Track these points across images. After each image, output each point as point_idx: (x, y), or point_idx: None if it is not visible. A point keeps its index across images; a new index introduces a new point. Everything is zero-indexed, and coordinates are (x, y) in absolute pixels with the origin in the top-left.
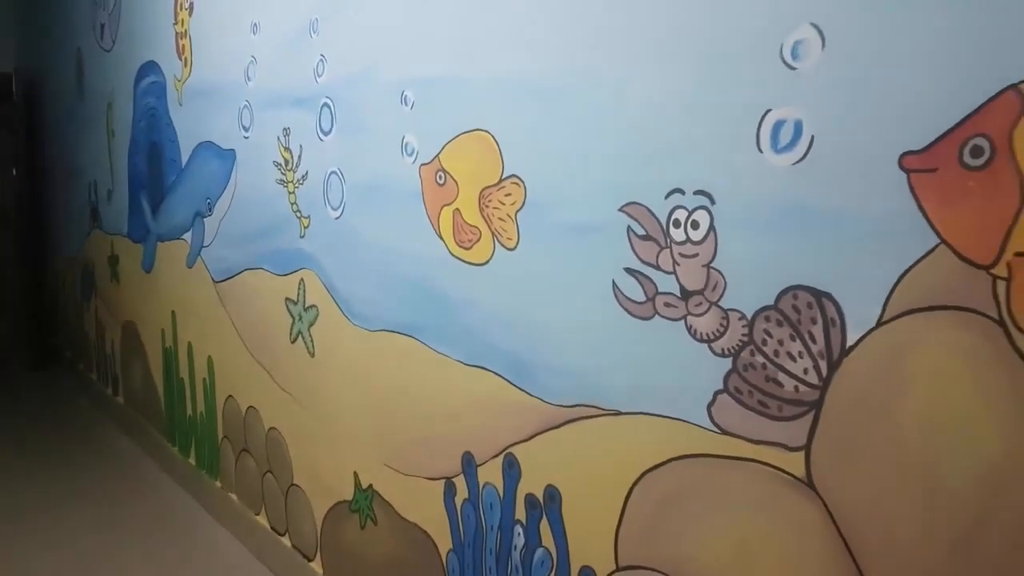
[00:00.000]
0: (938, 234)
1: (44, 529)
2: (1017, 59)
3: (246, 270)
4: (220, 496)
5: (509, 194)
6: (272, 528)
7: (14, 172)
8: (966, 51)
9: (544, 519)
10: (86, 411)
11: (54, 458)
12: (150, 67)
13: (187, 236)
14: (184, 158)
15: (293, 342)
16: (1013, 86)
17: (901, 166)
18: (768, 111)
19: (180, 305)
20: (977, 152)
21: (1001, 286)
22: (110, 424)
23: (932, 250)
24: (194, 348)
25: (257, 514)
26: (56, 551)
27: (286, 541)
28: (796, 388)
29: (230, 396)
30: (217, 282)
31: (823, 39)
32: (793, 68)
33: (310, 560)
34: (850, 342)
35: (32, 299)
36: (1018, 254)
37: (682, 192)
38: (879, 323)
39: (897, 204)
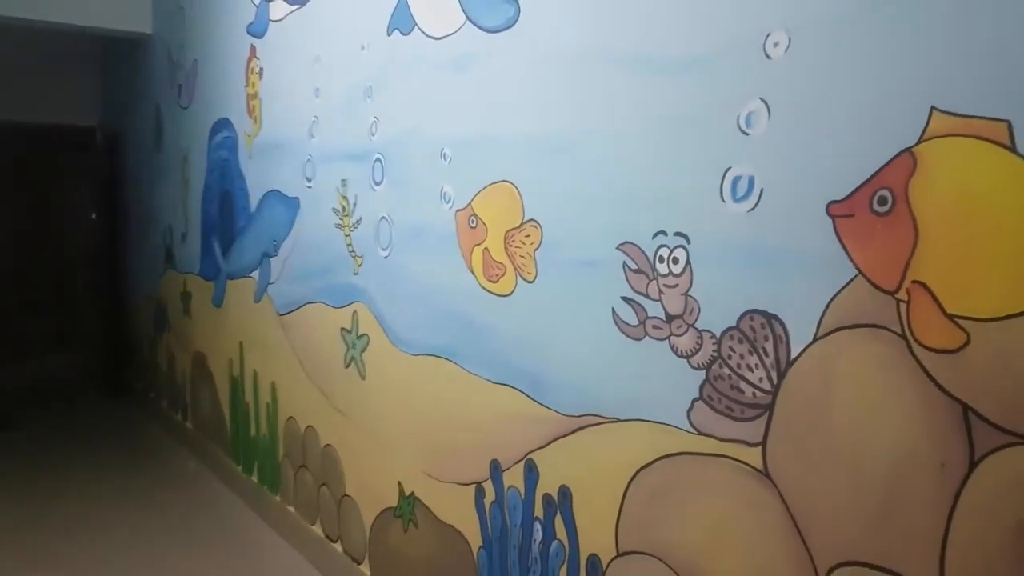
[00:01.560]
0: (856, 266)
1: (122, 539)
2: (910, 128)
3: (307, 303)
4: (279, 509)
5: (528, 235)
6: (326, 536)
7: (94, 217)
8: (874, 121)
9: (558, 515)
10: (157, 436)
11: (130, 477)
12: (223, 124)
13: (254, 274)
14: (253, 205)
15: (347, 367)
16: (907, 149)
17: (828, 212)
18: (729, 168)
19: (247, 336)
20: (883, 201)
21: (903, 307)
22: (179, 447)
23: (851, 280)
24: (259, 375)
25: (313, 524)
26: (133, 559)
27: (338, 547)
28: (754, 394)
29: (291, 417)
30: (281, 315)
31: (769, 110)
32: (747, 134)
33: (359, 563)
34: (793, 354)
35: (109, 334)
36: (915, 281)
37: (665, 233)
38: (815, 339)
39: (825, 243)
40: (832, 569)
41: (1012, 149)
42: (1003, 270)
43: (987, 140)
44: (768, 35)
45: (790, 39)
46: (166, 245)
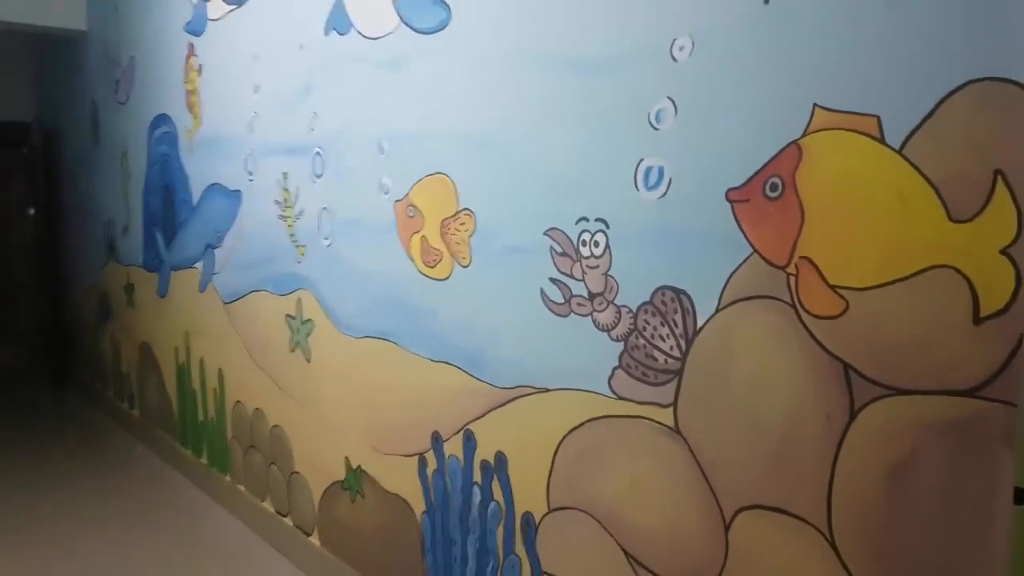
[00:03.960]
0: (751, 245)
1: (73, 522)
2: (796, 123)
3: (252, 292)
4: (229, 488)
5: (463, 223)
6: (276, 511)
7: (31, 211)
8: (765, 117)
9: (495, 479)
10: (103, 424)
11: (77, 463)
12: (162, 119)
13: (199, 265)
14: (195, 198)
15: (292, 351)
16: (794, 141)
17: (726, 198)
18: (641, 160)
19: (193, 325)
20: (774, 187)
21: (792, 280)
22: (126, 434)
23: (748, 258)
24: (205, 362)
25: (263, 501)
26: (85, 540)
27: (288, 521)
28: (666, 361)
29: (238, 401)
30: (226, 303)
31: (676, 108)
32: (657, 129)
33: (309, 535)
34: (699, 325)
35: (49, 326)
36: (802, 257)
37: (587, 219)
38: (717, 310)
39: (725, 225)
40: (736, 513)
41: (881, 140)
42: (874, 246)
43: (861, 133)
44: (674, 40)
45: (693, 44)
46: (108, 238)
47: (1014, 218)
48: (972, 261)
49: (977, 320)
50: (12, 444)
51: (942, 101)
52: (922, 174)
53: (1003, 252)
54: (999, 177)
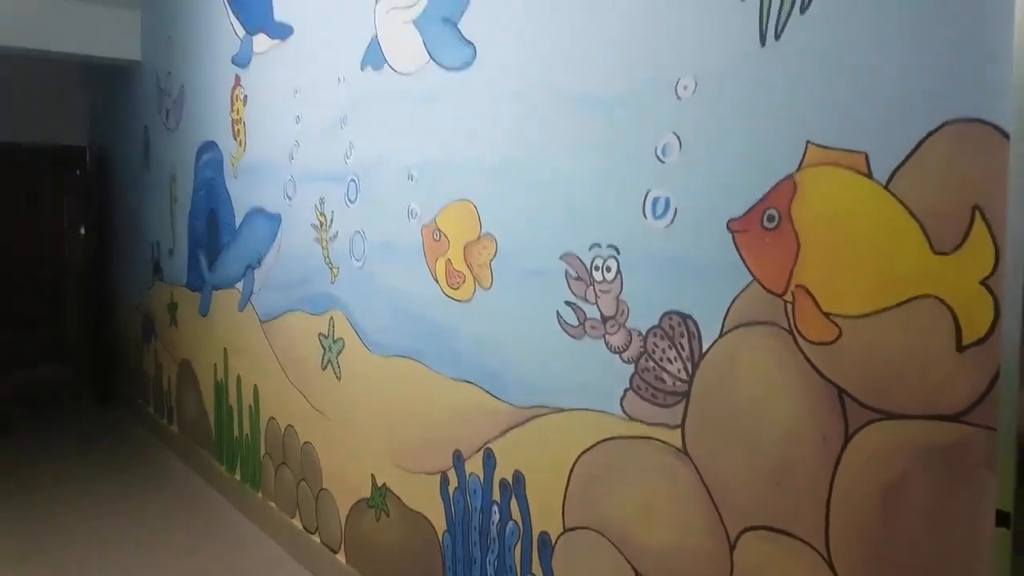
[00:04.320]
0: (751, 273)
1: (112, 533)
2: (791, 159)
3: (288, 311)
4: (260, 504)
5: (485, 247)
6: (304, 528)
7: (83, 232)
8: (763, 152)
9: (513, 498)
10: (143, 439)
11: (118, 477)
12: (209, 146)
13: (239, 285)
14: (238, 221)
15: (323, 369)
16: (789, 176)
17: (728, 228)
18: (649, 190)
19: (231, 343)
20: (771, 219)
21: (789, 307)
22: (165, 449)
23: (748, 285)
24: (242, 379)
25: (292, 517)
26: (123, 551)
27: (316, 538)
28: (673, 383)
29: (272, 418)
30: (263, 322)
31: (680, 143)
32: (663, 162)
33: (335, 552)
34: (704, 348)
35: (96, 343)
36: (798, 285)
37: (600, 246)
38: (720, 334)
39: (727, 254)
40: (741, 533)
41: (869, 175)
42: (864, 275)
43: (850, 168)
44: (679, 80)
45: (696, 83)
46: (154, 258)
47: (992, 251)
48: (954, 292)
49: (960, 348)
50: (55, 457)
51: (924, 140)
52: (907, 208)
53: (982, 283)
54: (977, 212)
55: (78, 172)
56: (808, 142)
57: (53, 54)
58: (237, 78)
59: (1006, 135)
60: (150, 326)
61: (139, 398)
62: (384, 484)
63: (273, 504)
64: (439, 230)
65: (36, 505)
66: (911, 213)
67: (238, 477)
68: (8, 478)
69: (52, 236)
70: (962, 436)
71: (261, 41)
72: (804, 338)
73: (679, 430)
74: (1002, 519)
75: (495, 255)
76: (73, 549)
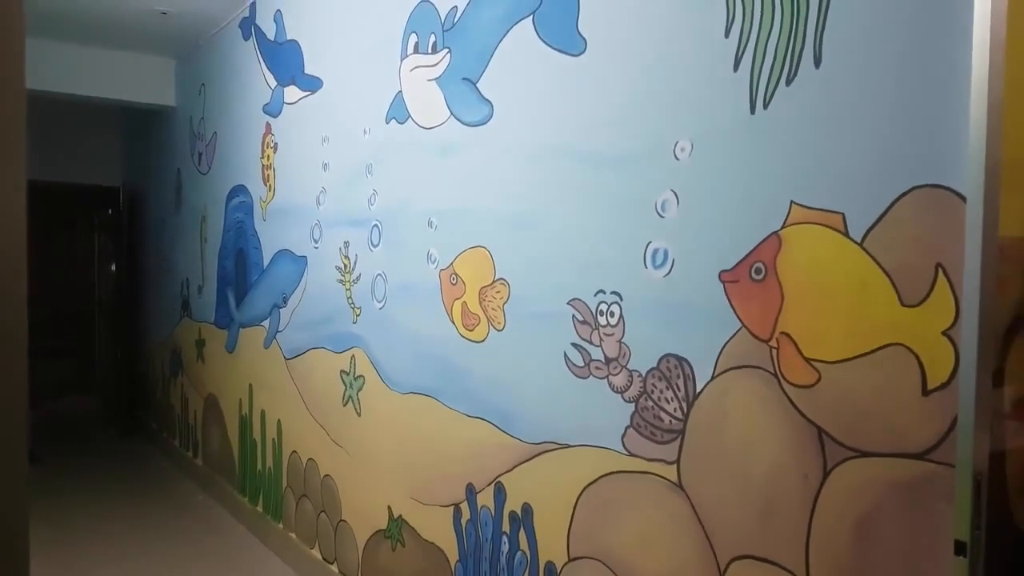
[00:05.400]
0: (740, 321)
1: (136, 561)
2: (776, 216)
3: (311, 349)
4: (281, 535)
5: (499, 291)
6: (323, 558)
7: (113, 268)
8: (751, 210)
9: (521, 529)
10: (168, 471)
11: (143, 507)
12: (239, 189)
13: (265, 323)
14: (265, 262)
15: (344, 405)
16: (775, 232)
17: (720, 279)
18: (649, 242)
19: (256, 378)
20: (759, 271)
21: (774, 352)
22: (189, 482)
23: (737, 331)
24: (266, 414)
25: (312, 548)
26: None
27: (334, 568)
28: (670, 421)
29: (294, 451)
30: (288, 359)
31: (678, 199)
32: (662, 216)
33: None
34: (698, 389)
35: (125, 377)
36: (782, 333)
37: (604, 292)
38: (712, 377)
39: (719, 302)
40: (730, 562)
41: (846, 234)
42: (841, 324)
43: (829, 227)
44: (677, 142)
45: (693, 146)
46: (183, 296)
47: (952, 304)
48: (920, 341)
49: (925, 392)
50: (82, 487)
51: (894, 203)
52: (879, 264)
53: (944, 333)
54: (939, 268)
55: (111, 211)
56: (792, 202)
57: (93, 99)
58: (268, 126)
59: (963, 198)
60: (178, 361)
61: (165, 431)
62: (400, 516)
63: (294, 535)
64: (456, 274)
65: (63, 533)
66: (882, 268)
67: (260, 509)
68: (36, 507)
69: (84, 272)
70: (926, 472)
71: (292, 92)
72: (787, 381)
73: (675, 465)
74: (959, 548)
75: (508, 299)
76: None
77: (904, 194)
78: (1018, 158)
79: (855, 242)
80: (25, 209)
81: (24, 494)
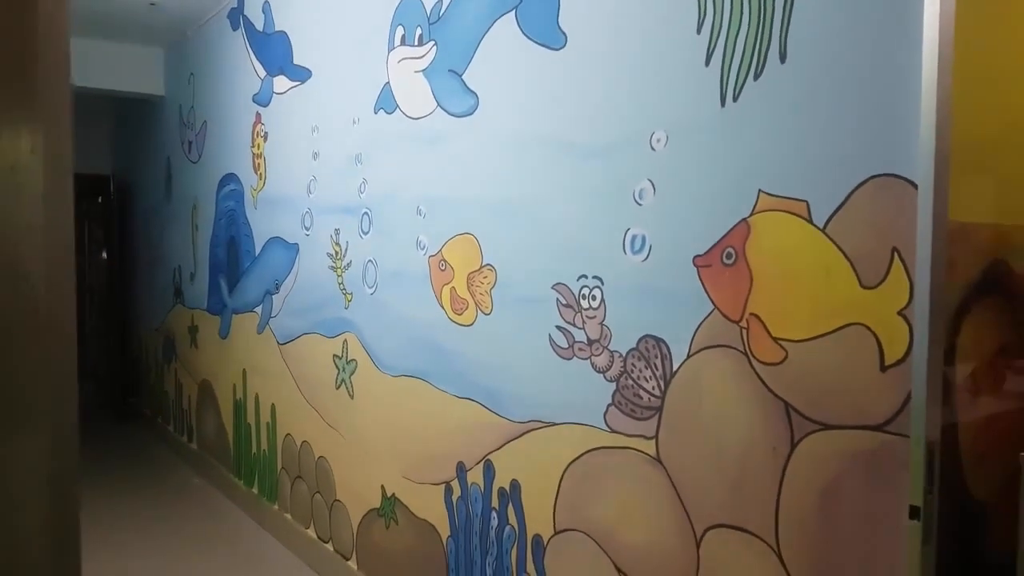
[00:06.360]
0: (713, 303)
1: (134, 544)
2: (745, 204)
3: (304, 334)
4: (277, 516)
5: (486, 277)
6: (319, 537)
7: (104, 256)
8: (723, 198)
9: (510, 504)
10: (164, 456)
11: (140, 491)
12: (230, 178)
13: (258, 309)
14: (257, 249)
15: (337, 388)
16: (744, 219)
17: (694, 263)
18: (628, 229)
19: (250, 364)
20: (729, 256)
21: (744, 332)
22: (184, 465)
23: (710, 313)
24: (260, 398)
25: (307, 528)
26: (145, 561)
27: (329, 547)
28: (649, 399)
29: (288, 434)
30: (281, 344)
31: (654, 188)
32: (640, 204)
33: (347, 559)
34: (674, 368)
35: (116, 364)
36: (751, 314)
37: (586, 277)
38: (688, 356)
39: (693, 285)
40: (705, 531)
41: (809, 220)
42: (806, 305)
43: (794, 214)
44: (653, 133)
45: (668, 137)
46: (175, 283)
47: (907, 286)
48: (878, 320)
49: (883, 368)
50: (80, 472)
51: (853, 191)
52: (840, 248)
53: (899, 313)
54: (895, 253)
55: (101, 200)
56: (760, 190)
57: (83, 89)
58: (258, 115)
59: (916, 186)
60: (171, 348)
61: (159, 417)
62: (393, 494)
63: (289, 516)
64: (444, 260)
65: None
66: (843, 253)
67: (255, 491)
68: None
69: (75, 260)
70: (884, 443)
71: (281, 82)
72: (757, 359)
73: (654, 440)
74: (914, 513)
75: (495, 284)
76: (96, 560)
77: (863, 183)
78: (967, 149)
79: (818, 228)
80: (72, 207)
81: (77, 485)
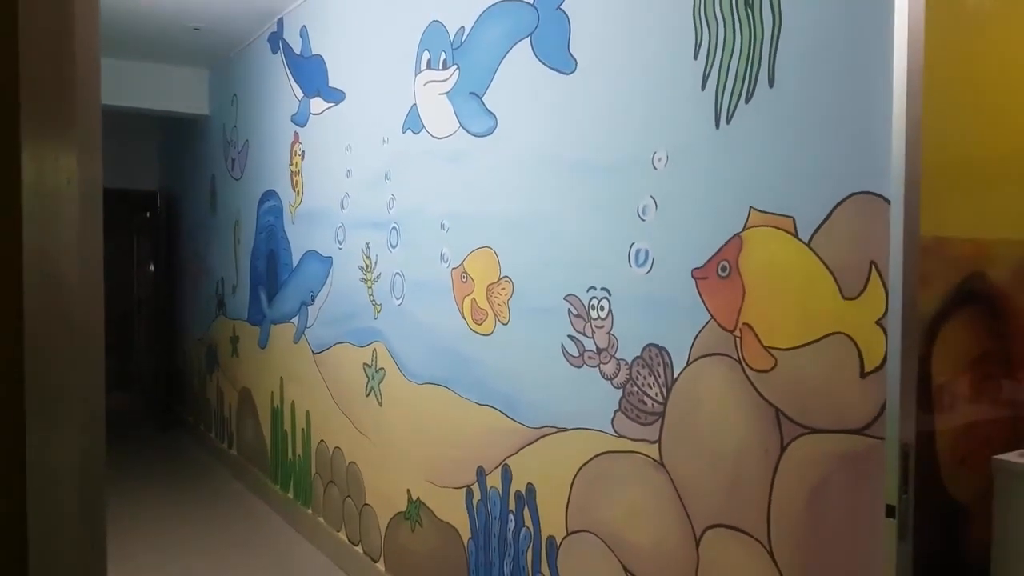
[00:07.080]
0: (710, 313)
1: (175, 545)
2: (738, 220)
3: (336, 343)
4: (310, 520)
5: (504, 288)
6: (349, 540)
7: (151, 269)
8: (718, 214)
9: (526, 507)
10: (205, 462)
11: (182, 495)
12: (270, 194)
13: (294, 320)
14: (294, 262)
15: (367, 395)
16: (737, 234)
17: (692, 275)
18: (633, 243)
19: (286, 372)
20: (724, 268)
21: (738, 341)
22: (225, 471)
23: (707, 322)
24: (296, 405)
25: (338, 531)
26: (185, 561)
27: (359, 549)
28: (652, 405)
29: (322, 440)
30: (315, 353)
31: (656, 204)
32: (643, 220)
33: (376, 561)
34: (675, 375)
35: (162, 373)
36: (744, 324)
37: (595, 288)
38: (687, 364)
39: (692, 297)
40: (704, 531)
41: (795, 235)
42: (792, 316)
43: (782, 229)
44: (655, 152)
45: (668, 156)
46: (218, 295)
47: (884, 297)
48: (858, 329)
49: (863, 375)
50: (124, 478)
51: (835, 208)
52: (823, 261)
53: (877, 323)
54: (872, 266)
55: (149, 215)
56: (751, 207)
57: (132, 109)
58: (296, 135)
59: (888, 202)
60: (213, 357)
61: (201, 424)
62: (418, 498)
63: (322, 519)
64: (466, 272)
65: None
66: (826, 266)
67: (291, 495)
68: None
69: (124, 273)
70: (865, 446)
71: (317, 103)
72: (749, 367)
73: (657, 444)
74: (890, 512)
75: (512, 295)
76: (140, 559)
77: (844, 200)
78: (943, 167)
79: (803, 242)
80: (102, 225)
81: (103, 470)
